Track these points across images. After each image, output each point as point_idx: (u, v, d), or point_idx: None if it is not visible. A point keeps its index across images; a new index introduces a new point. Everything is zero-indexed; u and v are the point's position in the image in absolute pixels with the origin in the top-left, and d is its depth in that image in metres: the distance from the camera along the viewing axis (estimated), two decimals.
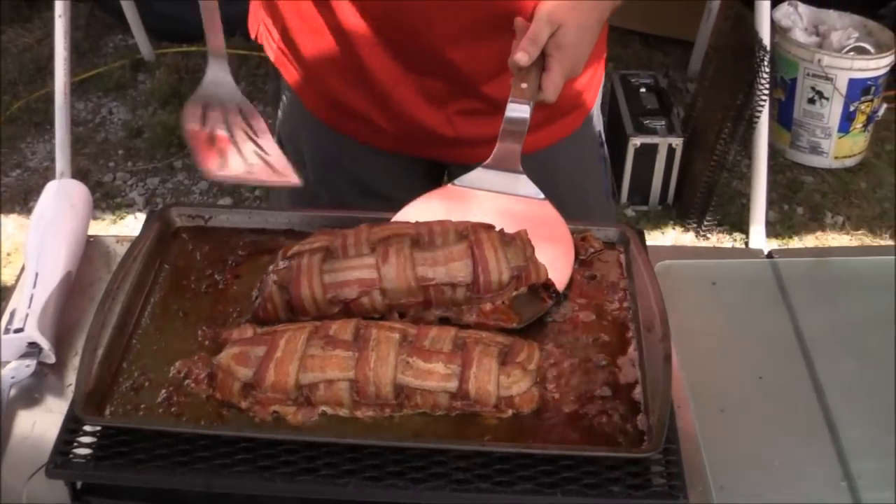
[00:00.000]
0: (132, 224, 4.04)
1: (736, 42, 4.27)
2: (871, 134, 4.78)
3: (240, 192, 4.10)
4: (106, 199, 4.23)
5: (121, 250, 1.82)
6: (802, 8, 4.81)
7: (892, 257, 1.97)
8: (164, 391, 1.46)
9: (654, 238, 4.13)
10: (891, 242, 4.26)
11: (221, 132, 1.69)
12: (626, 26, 5.60)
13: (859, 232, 4.32)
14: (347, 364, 1.43)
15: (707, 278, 1.84)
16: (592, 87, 2.18)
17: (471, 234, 1.60)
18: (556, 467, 1.37)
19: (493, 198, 1.76)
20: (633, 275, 1.66)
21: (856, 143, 4.76)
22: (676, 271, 1.83)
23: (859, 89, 4.56)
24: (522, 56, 1.73)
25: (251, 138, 1.70)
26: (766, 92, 4.03)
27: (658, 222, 4.33)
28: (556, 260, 1.68)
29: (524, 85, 1.75)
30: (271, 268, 1.59)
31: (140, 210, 4.15)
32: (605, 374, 1.51)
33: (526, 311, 1.61)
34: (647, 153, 4.40)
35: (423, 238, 1.61)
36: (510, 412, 1.44)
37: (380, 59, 1.92)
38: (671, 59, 5.53)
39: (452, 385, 1.43)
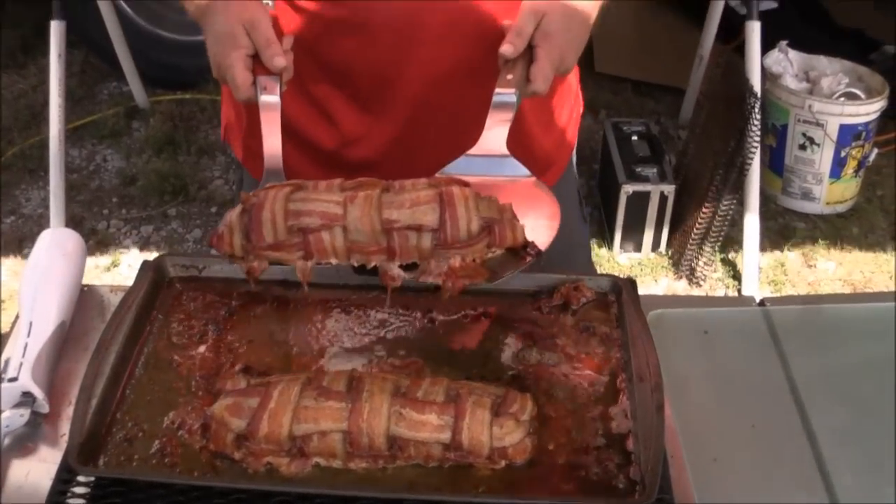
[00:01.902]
0: (126, 272, 4.04)
1: (727, 89, 4.29)
2: (863, 179, 4.79)
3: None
4: (100, 247, 4.23)
5: (115, 300, 1.81)
6: (793, 54, 4.82)
7: (884, 304, 1.97)
8: (157, 442, 1.46)
9: (646, 285, 4.13)
10: (883, 288, 4.26)
11: None
12: (617, 74, 5.63)
13: (852, 277, 4.33)
14: (341, 415, 1.42)
15: (699, 327, 1.84)
16: (564, 145, 2.17)
17: (442, 185, 1.56)
18: None
19: (480, 182, 1.67)
20: (626, 324, 1.66)
21: (847, 189, 4.77)
22: (669, 320, 1.83)
23: (850, 135, 4.57)
24: (508, 48, 1.71)
25: None
26: (758, 138, 4.04)
27: (651, 269, 4.34)
28: (539, 225, 1.63)
29: (510, 76, 1.72)
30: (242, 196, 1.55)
31: (134, 258, 4.15)
32: (597, 425, 1.51)
33: (502, 269, 1.56)
34: (640, 200, 4.39)
35: (393, 187, 1.57)
36: (503, 463, 1.44)
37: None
38: (662, 106, 5.54)
39: (446, 436, 1.43)
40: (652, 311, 1.81)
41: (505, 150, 1.71)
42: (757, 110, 4.01)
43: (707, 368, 1.77)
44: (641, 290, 1.73)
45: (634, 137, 4.66)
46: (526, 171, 1.72)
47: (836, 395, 1.77)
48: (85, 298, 1.87)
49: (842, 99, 4.57)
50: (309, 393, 1.45)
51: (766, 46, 4.47)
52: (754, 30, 4.16)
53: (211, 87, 4.87)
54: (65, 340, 1.76)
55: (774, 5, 5.43)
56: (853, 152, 4.60)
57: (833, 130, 4.52)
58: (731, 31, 4.74)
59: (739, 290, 4.05)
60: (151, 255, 1.81)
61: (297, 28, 1.82)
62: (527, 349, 1.63)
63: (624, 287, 1.70)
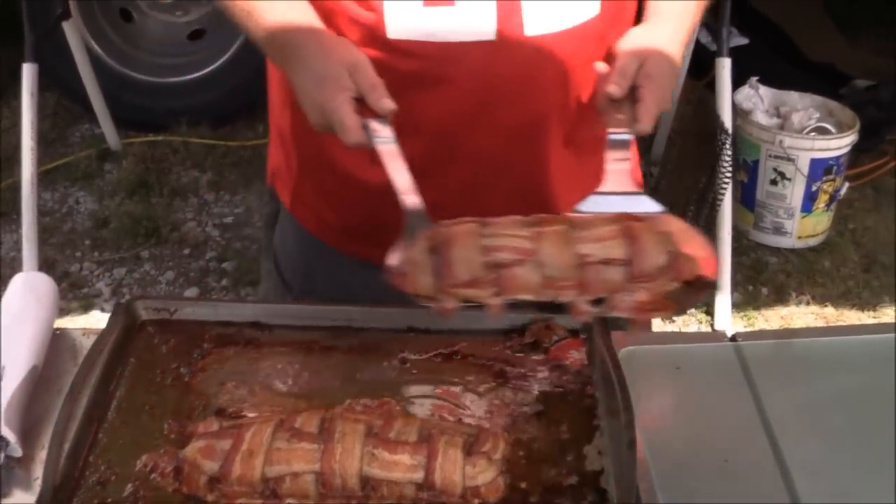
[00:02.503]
0: (99, 315, 4.03)
1: (698, 125, 4.31)
2: (834, 213, 4.81)
3: (206, 283, 4.11)
4: (73, 290, 4.22)
5: (87, 343, 1.81)
6: (763, 90, 4.85)
7: (857, 337, 1.98)
8: (130, 485, 1.45)
9: (620, 322, 4.14)
10: (855, 321, 4.28)
11: None
12: None
13: (824, 311, 4.34)
14: (313, 457, 1.43)
15: (671, 363, 1.84)
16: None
17: (627, 224, 1.55)
18: None
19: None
20: (596, 362, 1.66)
21: (819, 223, 4.79)
22: (641, 357, 1.83)
23: (821, 169, 4.59)
24: (614, 88, 1.73)
25: None
26: (729, 174, 4.06)
27: None
28: (702, 253, 1.61)
29: (620, 116, 1.74)
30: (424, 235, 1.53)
31: (107, 300, 4.14)
32: (570, 463, 1.51)
33: (685, 301, 1.57)
34: None
35: (577, 222, 1.56)
36: (476, 502, 1.44)
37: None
38: None
39: (418, 476, 1.43)
40: (623, 348, 1.82)
41: (635, 188, 1.73)
42: (728, 146, 4.03)
43: (680, 404, 1.78)
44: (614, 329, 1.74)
45: None
46: (659, 207, 1.71)
47: (809, 429, 1.77)
48: (57, 342, 1.86)
49: (812, 133, 4.59)
50: (281, 434, 1.45)
51: (737, 82, 4.49)
52: (725, 66, 4.17)
53: (182, 129, 4.86)
54: (37, 384, 1.75)
55: (745, 41, 5.46)
56: (824, 186, 4.63)
57: (804, 165, 4.54)
58: (702, 67, 4.75)
59: (712, 325, 4.06)
60: (124, 298, 1.80)
61: None
62: (497, 388, 1.63)
63: (595, 325, 1.70)
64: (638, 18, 1.92)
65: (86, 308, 4.14)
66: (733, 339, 1.94)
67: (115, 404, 1.60)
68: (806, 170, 4.55)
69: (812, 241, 4.82)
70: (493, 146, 1.86)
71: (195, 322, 1.75)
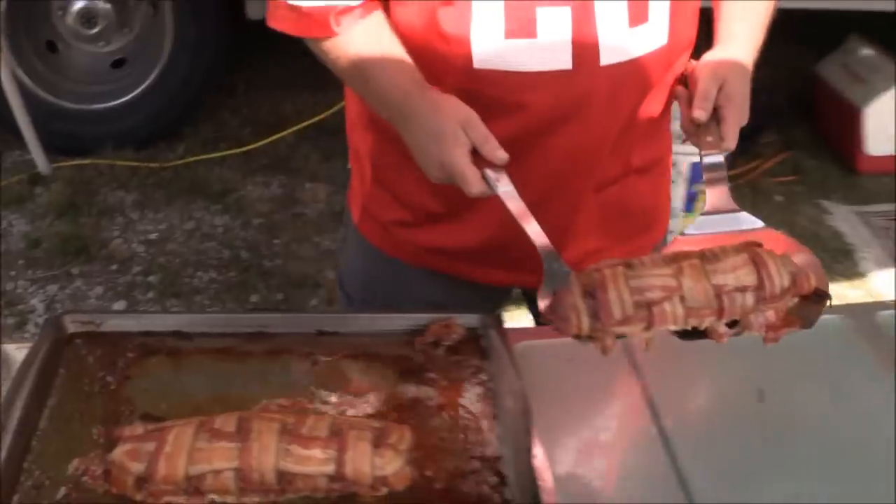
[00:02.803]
0: (33, 329, 3.99)
1: None
2: None
3: (133, 296, 4.08)
4: (9, 307, 4.18)
5: (20, 356, 1.78)
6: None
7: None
8: (63, 488, 1.43)
9: (519, 319, 4.15)
10: None
11: None
12: None
13: None
14: (232, 454, 1.42)
15: (563, 356, 1.85)
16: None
17: (752, 251, 1.61)
18: None
19: (728, 238, 1.73)
20: (493, 357, 1.67)
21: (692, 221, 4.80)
22: (535, 351, 1.84)
23: (700, 172, 4.59)
24: (700, 113, 1.79)
25: None
26: None
27: (520, 303, 4.36)
28: (811, 266, 1.71)
29: (709, 138, 1.81)
30: (575, 282, 1.59)
31: (41, 316, 4.10)
32: (471, 450, 1.52)
33: (810, 315, 1.65)
34: None
35: (707, 255, 1.60)
36: (386, 491, 1.44)
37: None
38: None
39: (330, 469, 1.42)
40: (519, 343, 1.82)
41: (735, 206, 1.80)
42: None
43: (572, 394, 1.79)
44: (513, 325, 1.75)
45: None
46: (761, 223, 1.79)
47: (693, 412, 1.79)
48: None
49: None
50: (202, 435, 1.44)
51: None
52: None
53: (108, 153, 4.82)
54: None
55: None
56: (703, 188, 4.65)
57: (685, 169, 4.57)
58: None
59: None
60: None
61: None
62: (402, 384, 1.63)
63: (492, 323, 1.72)
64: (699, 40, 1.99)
65: (21, 324, 4.09)
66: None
67: (47, 413, 1.58)
68: (687, 173, 4.58)
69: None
70: (560, 164, 1.91)
71: (120, 333, 1.72)
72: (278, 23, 1.82)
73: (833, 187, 5.32)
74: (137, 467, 1.42)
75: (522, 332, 1.88)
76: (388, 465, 1.44)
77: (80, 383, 1.63)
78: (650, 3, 1.81)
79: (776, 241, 1.74)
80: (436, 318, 1.73)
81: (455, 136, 1.67)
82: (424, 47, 1.79)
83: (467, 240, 2.00)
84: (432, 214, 2.01)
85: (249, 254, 4.37)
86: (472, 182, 1.66)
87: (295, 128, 5.04)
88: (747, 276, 1.57)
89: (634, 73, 1.86)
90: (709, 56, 1.90)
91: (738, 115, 1.82)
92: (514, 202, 1.65)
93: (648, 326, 1.56)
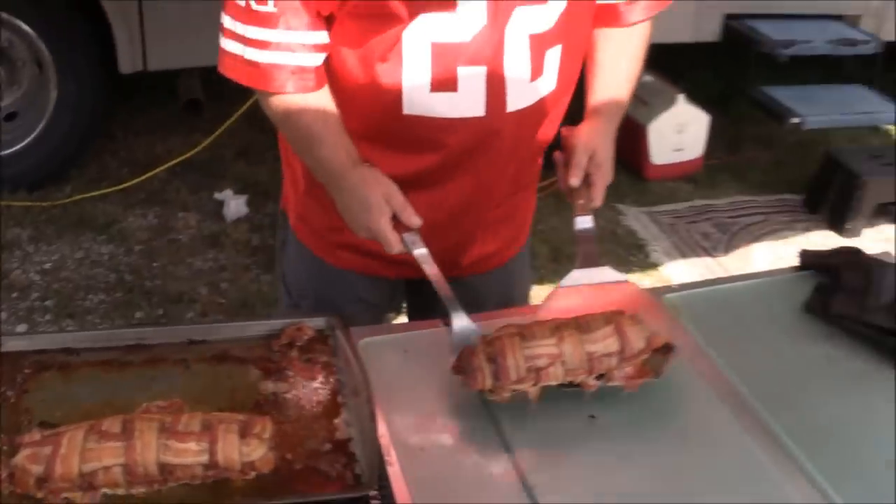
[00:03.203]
0: None
1: None
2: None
3: (33, 319, 3.98)
4: None
5: None
6: None
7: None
8: None
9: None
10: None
11: None
12: None
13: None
14: (119, 452, 1.41)
15: (400, 347, 1.85)
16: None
17: (614, 319, 1.74)
18: None
19: (596, 289, 1.92)
20: (340, 353, 1.67)
21: None
22: (375, 346, 1.84)
23: None
24: (575, 180, 1.91)
25: None
26: None
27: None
28: (662, 320, 1.89)
29: (581, 201, 1.94)
30: (479, 340, 1.72)
31: None
32: (324, 434, 1.52)
33: (662, 366, 1.76)
34: None
35: (582, 325, 1.73)
36: (254, 474, 1.44)
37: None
38: None
39: (205, 458, 1.42)
40: (361, 340, 1.83)
41: (599, 264, 1.94)
42: None
43: (408, 381, 1.79)
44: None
45: None
46: (622, 277, 1.95)
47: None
48: None
49: None
50: (92, 437, 1.42)
51: None
52: None
53: (4, 195, 4.70)
54: None
55: None
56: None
57: None
58: None
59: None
60: None
61: None
62: (263, 381, 1.62)
63: (337, 324, 1.72)
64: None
65: None
66: (446, 324, 1.97)
67: None
68: None
69: None
70: (471, 190, 1.98)
71: (17, 353, 1.68)
72: (230, 71, 1.81)
73: (625, 192, 5.41)
74: (37, 469, 1.40)
75: (365, 330, 1.88)
76: (254, 452, 1.44)
77: None
78: (545, 59, 1.86)
79: (633, 296, 1.93)
80: (289, 323, 1.73)
81: (379, 207, 1.74)
82: (363, 94, 1.81)
83: None
84: None
85: (132, 276, 4.30)
86: (394, 244, 1.75)
87: (166, 165, 4.98)
88: (613, 344, 1.71)
89: (533, 115, 1.92)
90: (583, 127, 1.99)
91: (605, 179, 1.96)
92: (428, 265, 1.78)
93: (536, 383, 1.68)
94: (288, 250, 2.22)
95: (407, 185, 1.82)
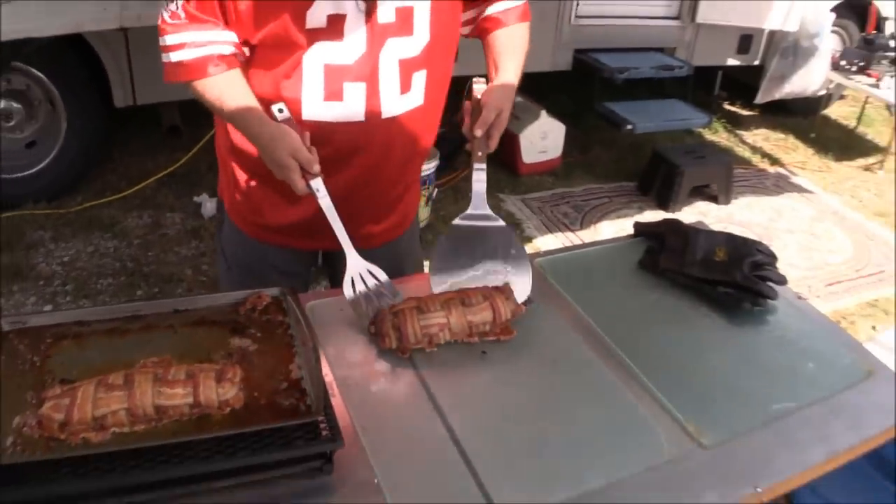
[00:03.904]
0: None
1: None
2: (431, 207, 4.90)
3: (56, 301, 3.88)
4: None
5: None
6: None
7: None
8: (10, 437, 1.36)
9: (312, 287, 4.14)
10: None
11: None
12: None
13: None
14: (123, 399, 1.37)
15: (338, 307, 1.83)
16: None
17: (490, 295, 1.77)
18: (263, 437, 1.36)
19: (481, 228, 1.95)
20: (291, 313, 1.65)
21: (423, 212, 4.83)
22: (319, 306, 1.82)
23: (423, 180, 4.63)
24: (479, 132, 1.88)
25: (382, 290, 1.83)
26: None
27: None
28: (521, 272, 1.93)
29: (479, 153, 1.91)
30: (387, 311, 1.74)
31: None
32: (282, 376, 1.50)
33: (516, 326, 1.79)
34: None
35: (466, 300, 1.75)
36: (228, 409, 1.42)
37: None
38: None
39: (189, 400, 1.40)
40: (308, 302, 1.81)
41: (487, 209, 1.95)
42: None
43: (345, 332, 1.77)
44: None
45: None
46: (502, 222, 1.96)
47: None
48: None
49: None
50: (101, 389, 1.39)
51: None
52: None
53: (29, 205, 4.56)
54: None
55: None
56: (424, 192, 4.70)
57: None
58: None
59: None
60: None
61: None
62: (232, 338, 1.59)
63: (289, 292, 1.69)
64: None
65: None
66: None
67: None
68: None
69: (422, 224, 4.87)
70: (359, 176, 1.95)
71: (40, 327, 1.62)
72: (168, 77, 1.80)
73: (505, 184, 5.44)
74: (59, 416, 1.36)
75: (311, 295, 1.86)
76: (228, 392, 1.42)
77: (14, 364, 1.53)
78: (412, 79, 1.88)
79: (508, 237, 1.97)
80: (251, 293, 1.70)
81: (288, 161, 1.71)
82: (269, 102, 1.79)
83: (301, 215, 2.00)
84: (277, 204, 2.03)
85: (133, 264, 4.21)
86: (300, 189, 1.72)
87: (155, 178, 4.89)
88: (487, 315, 1.75)
89: (404, 122, 1.92)
90: (494, 89, 1.94)
91: (501, 131, 1.91)
92: (324, 200, 1.74)
93: (429, 344, 1.71)
94: (224, 228, 2.19)
95: None
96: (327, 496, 1.36)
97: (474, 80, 1.99)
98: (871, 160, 6.86)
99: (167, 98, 4.94)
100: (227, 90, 1.78)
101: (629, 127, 5.60)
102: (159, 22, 1.77)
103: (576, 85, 6.44)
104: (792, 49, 6.69)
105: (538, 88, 5.85)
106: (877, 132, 7.55)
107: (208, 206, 4.74)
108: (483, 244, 1.94)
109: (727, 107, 7.69)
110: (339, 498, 1.36)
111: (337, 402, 1.52)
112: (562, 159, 5.79)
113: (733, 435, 1.59)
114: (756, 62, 6.81)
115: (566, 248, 2.23)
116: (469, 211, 1.94)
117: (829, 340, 1.95)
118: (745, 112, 7.60)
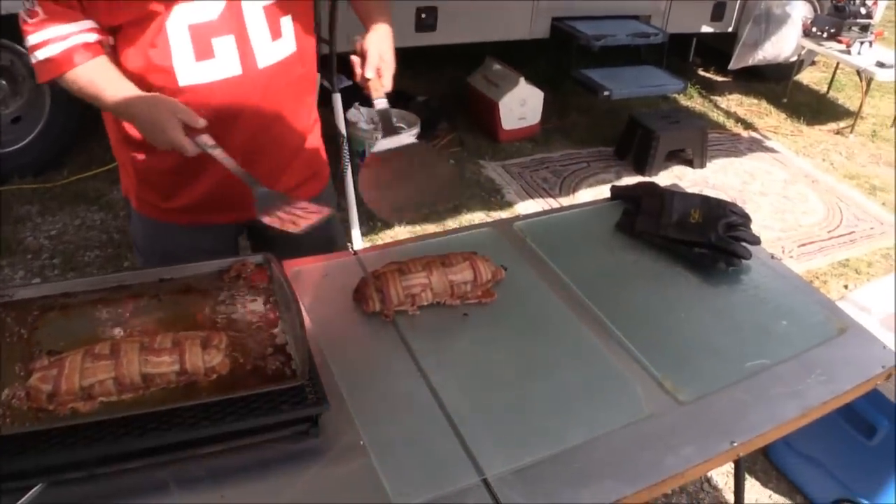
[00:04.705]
0: None
1: (326, 134, 4.29)
2: None
3: (45, 274, 3.84)
4: None
5: None
6: (363, 109, 4.83)
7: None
8: None
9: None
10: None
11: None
12: None
13: (415, 229, 4.41)
14: (110, 368, 1.36)
15: (320, 273, 1.82)
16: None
17: (470, 257, 1.81)
18: (250, 402, 1.35)
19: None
20: (276, 280, 1.63)
21: None
22: (303, 272, 1.82)
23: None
24: (370, 72, 1.85)
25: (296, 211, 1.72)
26: (348, 158, 4.07)
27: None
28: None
29: (376, 88, 1.87)
30: (370, 275, 1.76)
31: None
32: (267, 341, 1.49)
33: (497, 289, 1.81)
34: None
35: (447, 261, 1.78)
36: (215, 376, 1.40)
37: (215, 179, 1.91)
38: None
39: (176, 367, 1.38)
40: (291, 268, 1.79)
41: (398, 132, 1.91)
42: (345, 143, 4.04)
43: (327, 299, 1.76)
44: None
45: None
46: (414, 139, 1.94)
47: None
48: None
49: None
50: (88, 359, 1.37)
51: (347, 106, 4.49)
52: (338, 99, 4.18)
53: (15, 180, 4.50)
54: None
55: (349, 83, 5.45)
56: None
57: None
58: (324, 100, 4.73)
59: (350, 247, 4.07)
60: None
61: None
62: (218, 305, 1.58)
63: (272, 258, 1.68)
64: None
65: None
66: (355, 253, 1.94)
67: None
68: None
69: None
70: (251, 130, 1.89)
71: (26, 300, 1.60)
72: (41, 77, 1.74)
73: (485, 151, 5.41)
74: (47, 387, 1.35)
75: (293, 262, 1.85)
76: (213, 359, 1.40)
77: (2, 337, 1.51)
78: (281, 24, 1.84)
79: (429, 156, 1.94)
80: (236, 260, 1.68)
81: (169, 121, 1.67)
82: (143, 77, 1.75)
83: (207, 188, 1.95)
84: (179, 183, 1.96)
85: (119, 235, 4.17)
86: (189, 149, 1.68)
87: None
88: (468, 275, 1.77)
89: (283, 69, 1.88)
90: (371, 35, 1.91)
91: (391, 70, 1.89)
92: (216, 150, 1.69)
93: (412, 305, 1.71)
94: (134, 224, 2.13)
95: None
96: (314, 459, 1.36)
97: (356, 36, 1.97)
98: (841, 124, 6.87)
99: None
100: (98, 76, 1.72)
101: (606, 93, 5.57)
102: (21, 24, 1.71)
103: (554, 52, 6.40)
104: (764, 16, 6.67)
105: (517, 56, 5.82)
106: (847, 97, 7.56)
107: None
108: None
109: (701, 73, 7.67)
110: (327, 460, 1.36)
111: (322, 366, 1.51)
112: (540, 125, 5.76)
113: (709, 391, 1.60)
114: (729, 29, 6.79)
115: (545, 212, 2.22)
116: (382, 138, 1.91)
117: (801, 299, 1.96)
118: (718, 78, 7.58)
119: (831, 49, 6.52)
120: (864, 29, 6.48)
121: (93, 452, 1.28)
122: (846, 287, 4.47)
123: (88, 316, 1.55)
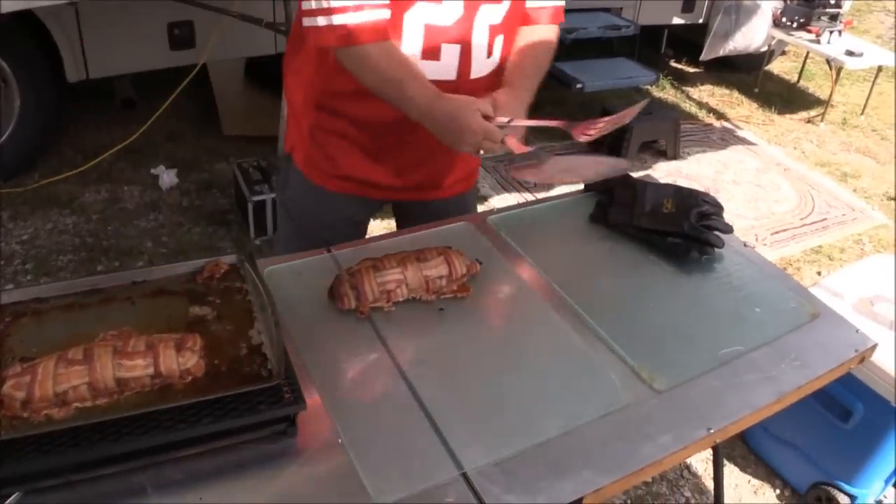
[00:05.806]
0: None
1: None
2: None
3: (18, 280, 3.80)
4: None
5: None
6: None
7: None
8: None
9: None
10: None
11: None
12: (241, 133, 5.42)
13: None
14: (83, 373, 1.34)
15: (295, 272, 1.82)
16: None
17: (445, 252, 1.79)
18: (226, 403, 1.34)
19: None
20: (249, 280, 1.62)
21: None
22: (277, 272, 1.80)
23: None
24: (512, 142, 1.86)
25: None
26: None
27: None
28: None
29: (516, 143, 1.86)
30: (344, 272, 1.74)
31: None
32: (242, 342, 1.47)
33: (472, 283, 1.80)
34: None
35: (421, 256, 1.76)
36: (190, 378, 1.39)
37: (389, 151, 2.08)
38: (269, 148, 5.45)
39: (151, 371, 1.37)
40: (266, 268, 1.79)
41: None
42: None
43: (303, 296, 1.75)
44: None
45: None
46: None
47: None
48: None
49: None
50: (61, 364, 1.35)
51: None
52: None
53: None
54: None
55: None
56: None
57: None
58: None
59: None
60: None
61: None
62: (192, 307, 1.56)
63: (245, 259, 1.67)
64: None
65: None
66: (328, 250, 1.93)
67: None
68: None
69: None
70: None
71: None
72: (322, 40, 1.81)
73: None
74: (20, 394, 1.33)
75: (268, 261, 1.84)
76: (188, 361, 1.39)
77: None
78: (494, 43, 1.96)
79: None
80: (209, 261, 1.67)
81: (474, 127, 1.78)
82: None
83: (381, 174, 2.12)
84: (360, 159, 2.10)
85: (92, 239, 4.14)
86: (497, 134, 1.80)
87: (111, 151, 4.78)
88: (443, 270, 1.75)
89: (484, 82, 1.97)
90: (510, 98, 1.92)
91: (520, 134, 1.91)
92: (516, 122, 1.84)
93: (387, 301, 1.71)
94: (291, 184, 2.23)
95: (399, 126, 1.94)
96: (293, 459, 1.35)
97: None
98: (812, 113, 6.93)
99: (120, 71, 4.84)
100: (404, 62, 1.83)
101: (579, 86, 5.59)
102: None
103: None
104: (734, 7, 6.71)
105: None
106: (817, 86, 7.62)
107: (165, 177, 4.66)
108: None
109: (673, 64, 7.71)
110: (305, 460, 1.35)
111: (298, 365, 1.50)
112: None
113: (685, 379, 1.61)
114: (700, 21, 6.83)
115: (519, 206, 2.22)
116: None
117: (774, 286, 1.97)
118: (690, 69, 7.62)
119: (801, 39, 6.57)
120: (834, 18, 6.54)
121: (69, 459, 1.27)
122: (819, 273, 4.51)
123: (61, 321, 1.53)
